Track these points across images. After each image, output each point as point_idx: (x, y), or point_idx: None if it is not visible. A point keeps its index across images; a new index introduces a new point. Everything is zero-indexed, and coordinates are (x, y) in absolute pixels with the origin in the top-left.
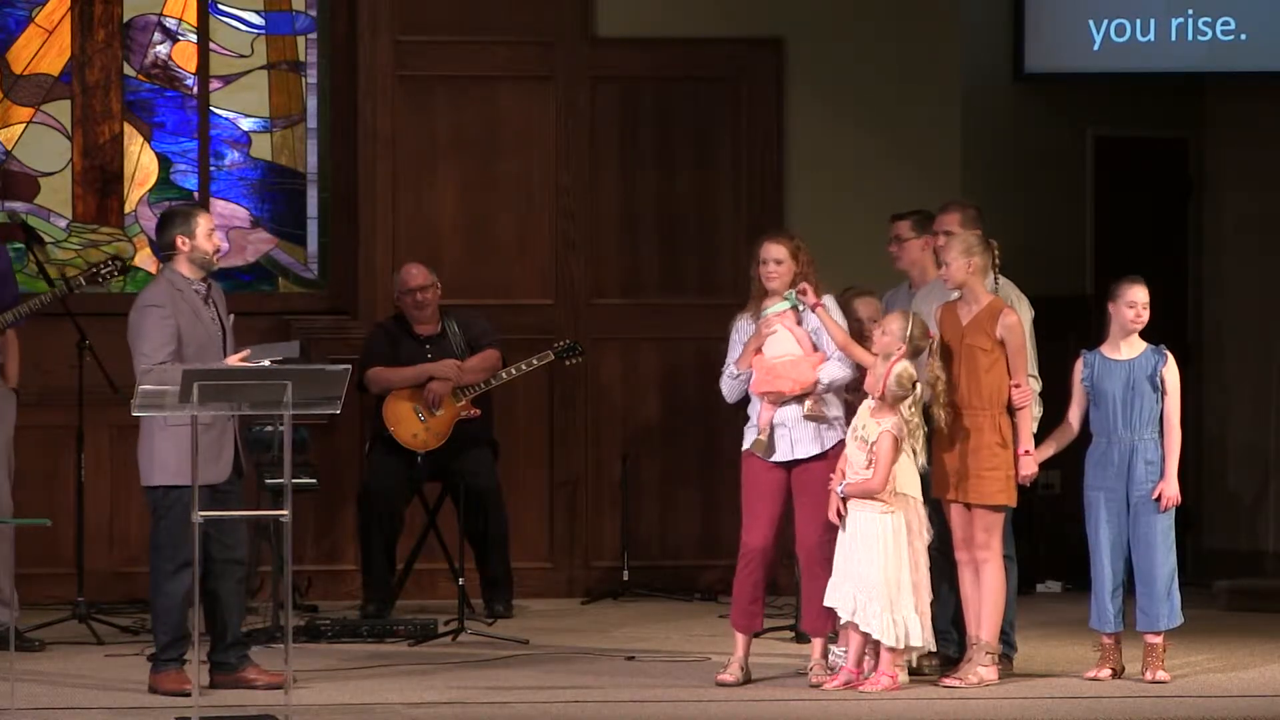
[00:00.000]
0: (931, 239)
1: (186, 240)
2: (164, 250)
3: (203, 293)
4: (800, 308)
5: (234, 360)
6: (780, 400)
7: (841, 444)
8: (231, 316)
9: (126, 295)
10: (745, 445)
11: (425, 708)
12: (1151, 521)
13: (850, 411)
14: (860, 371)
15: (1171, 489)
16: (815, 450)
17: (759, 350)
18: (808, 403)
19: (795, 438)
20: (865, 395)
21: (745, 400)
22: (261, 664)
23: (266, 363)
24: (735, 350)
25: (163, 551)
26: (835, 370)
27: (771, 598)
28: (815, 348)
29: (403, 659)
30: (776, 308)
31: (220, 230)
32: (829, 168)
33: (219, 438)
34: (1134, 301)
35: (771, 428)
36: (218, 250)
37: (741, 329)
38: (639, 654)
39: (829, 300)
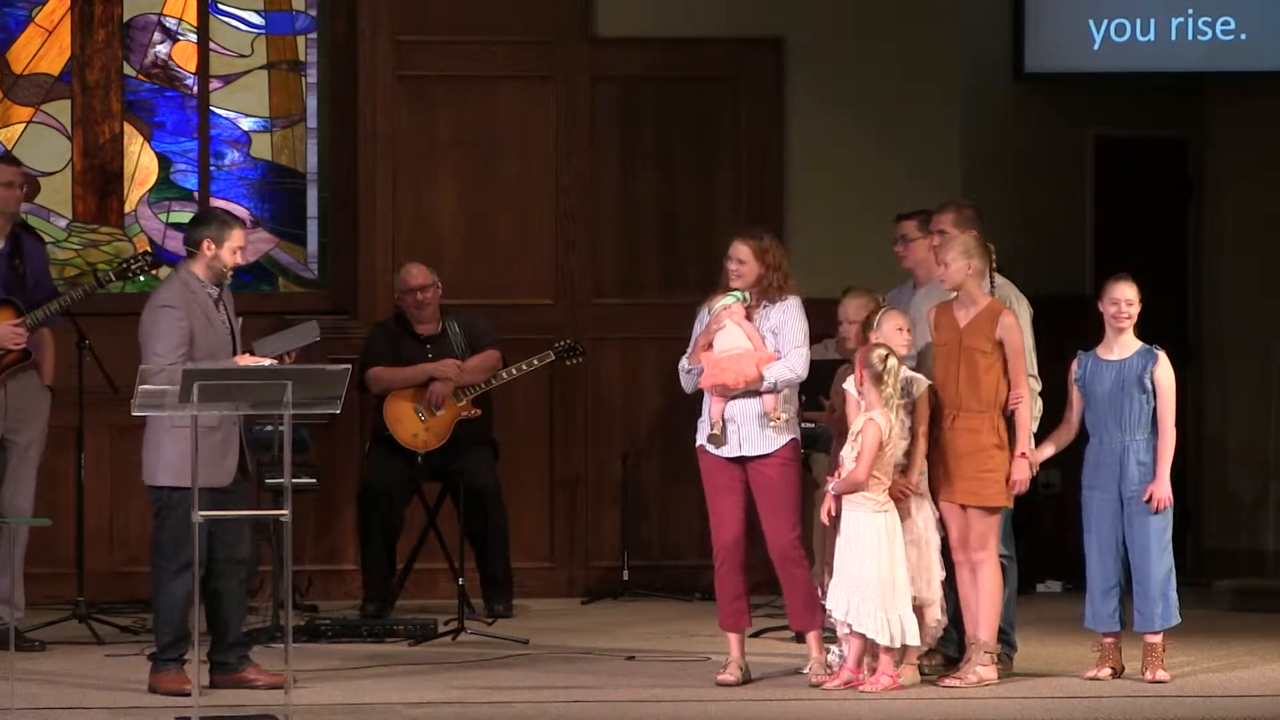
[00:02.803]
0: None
1: (213, 246)
2: (187, 246)
3: (214, 296)
4: (747, 301)
5: (244, 360)
6: (727, 394)
7: (792, 444)
8: (240, 320)
9: (126, 295)
10: (699, 441)
11: (425, 708)
12: (1145, 522)
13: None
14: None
15: (1162, 491)
16: (763, 450)
17: (709, 345)
18: (769, 412)
19: (744, 435)
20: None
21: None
22: (261, 664)
23: (267, 362)
24: (694, 343)
25: (165, 551)
26: (781, 372)
27: (772, 597)
28: (766, 346)
29: (403, 659)
30: (724, 301)
31: None
32: (829, 168)
33: (225, 439)
34: (1117, 298)
35: (724, 421)
36: (235, 267)
37: (702, 319)
38: (639, 654)
39: (793, 302)
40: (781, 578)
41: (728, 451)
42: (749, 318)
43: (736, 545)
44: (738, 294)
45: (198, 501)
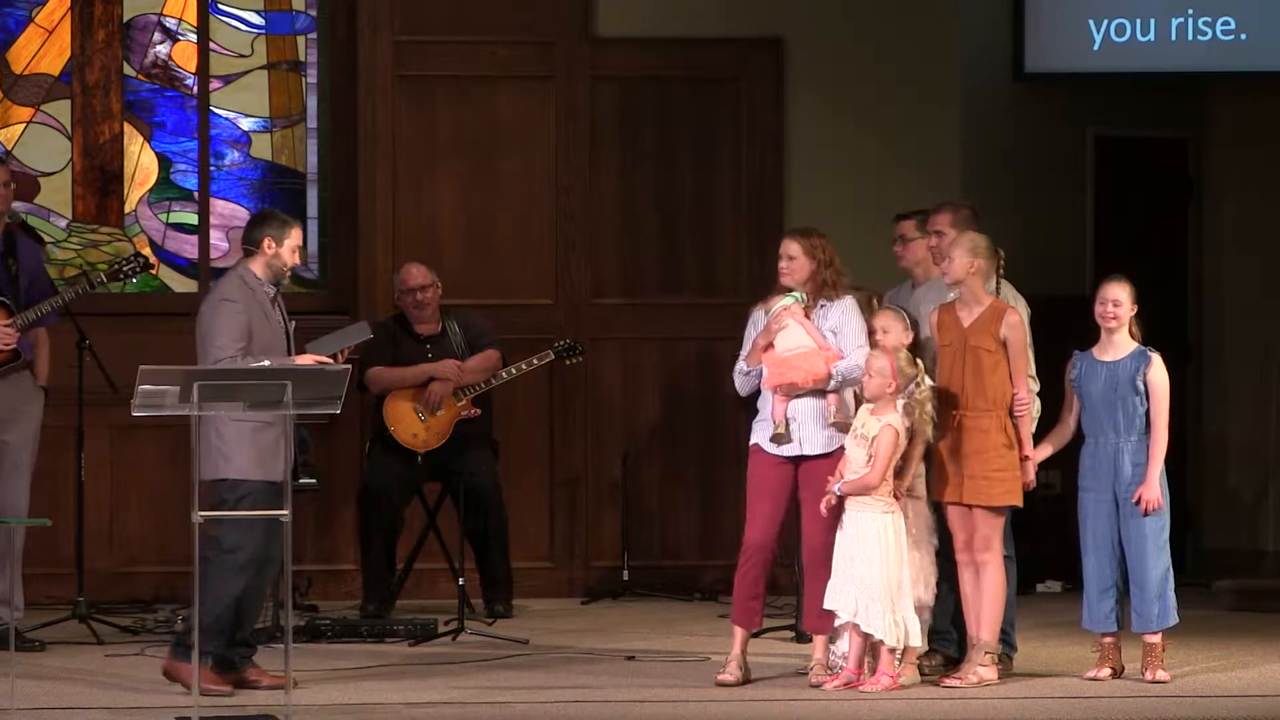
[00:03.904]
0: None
1: (273, 244)
2: (247, 245)
3: (271, 295)
4: (804, 302)
5: (303, 360)
6: (791, 393)
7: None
8: (294, 322)
9: (126, 296)
10: (753, 439)
11: (425, 708)
12: (1141, 523)
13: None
14: None
15: (1151, 493)
16: (823, 449)
17: (769, 346)
18: (832, 410)
19: (804, 435)
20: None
21: (753, 395)
22: (262, 664)
23: (262, 363)
24: (749, 344)
25: (226, 545)
26: (849, 368)
27: (772, 597)
28: (827, 344)
29: (403, 659)
30: (783, 302)
31: (220, 230)
32: (829, 168)
33: (280, 436)
34: (1105, 299)
35: (786, 420)
36: (294, 266)
37: (757, 322)
38: (639, 654)
39: (850, 301)
40: (807, 576)
41: (788, 450)
42: (806, 317)
43: (765, 546)
44: (796, 294)
45: (196, 500)
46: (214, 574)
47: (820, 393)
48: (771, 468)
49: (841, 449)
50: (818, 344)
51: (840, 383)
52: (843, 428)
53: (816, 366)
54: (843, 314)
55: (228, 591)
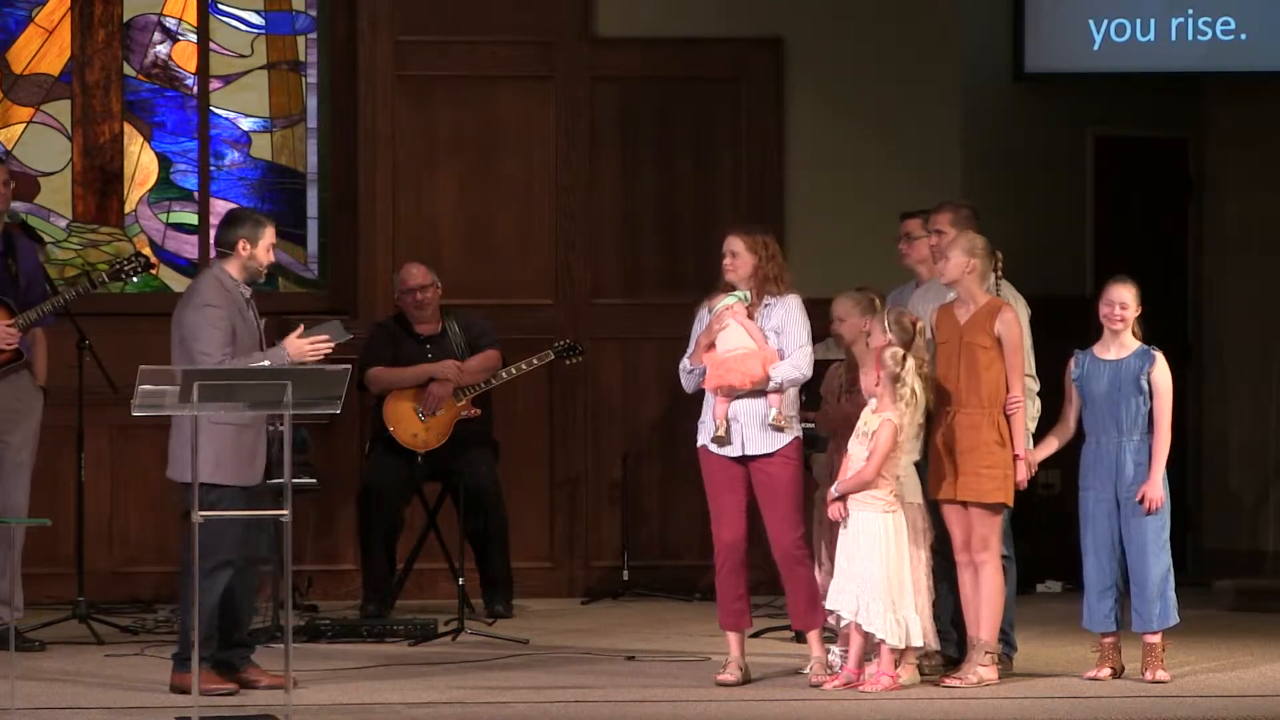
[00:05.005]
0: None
1: (248, 246)
2: (221, 247)
3: (246, 296)
4: (748, 301)
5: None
6: (731, 394)
7: (795, 443)
8: (264, 320)
9: (126, 296)
10: (700, 441)
11: (425, 708)
12: (1141, 523)
13: (848, 423)
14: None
15: (1155, 491)
16: (767, 449)
17: (711, 345)
18: (773, 413)
19: (747, 435)
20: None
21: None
22: (262, 664)
23: (267, 362)
24: (694, 342)
25: (200, 550)
26: (788, 371)
27: (772, 597)
28: (769, 345)
29: (403, 659)
30: (725, 301)
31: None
32: (829, 168)
33: (255, 440)
34: (1112, 300)
35: (727, 421)
36: (269, 265)
37: (703, 319)
38: (639, 654)
39: (793, 300)
40: (784, 576)
41: (731, 451)
42: (750, 317)
43: (738, 545)
44: (739, 294)
45: (197, 501)
46: (182, 578)
47: (763, 393)
48: (723, 467)
49: (786, 447)
50: (758, 345)
51: (780, 385)
52: (780, 428)
53: (753, 369)
54: (786, 313)
55: (206, 595)
